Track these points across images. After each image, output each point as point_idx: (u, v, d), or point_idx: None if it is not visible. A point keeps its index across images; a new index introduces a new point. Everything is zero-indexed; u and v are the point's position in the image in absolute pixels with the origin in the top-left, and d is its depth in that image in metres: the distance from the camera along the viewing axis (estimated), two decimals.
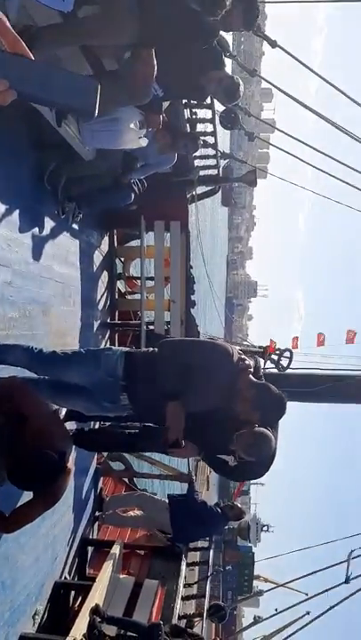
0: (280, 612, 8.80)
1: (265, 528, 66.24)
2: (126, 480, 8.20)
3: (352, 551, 6.23)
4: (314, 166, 8.58)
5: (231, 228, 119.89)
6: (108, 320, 7.67)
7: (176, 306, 7.38)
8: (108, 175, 5.84)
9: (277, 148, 8.83)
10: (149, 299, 7.74)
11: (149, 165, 6.08)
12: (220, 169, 8.26)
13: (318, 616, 5.93)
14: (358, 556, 5.93)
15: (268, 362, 12.02)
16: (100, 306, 7.31)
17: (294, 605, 7.14)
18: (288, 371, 10.69)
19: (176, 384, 3.55)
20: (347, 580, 5.71)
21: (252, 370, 3.94)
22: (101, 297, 7.35)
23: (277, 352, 12.21)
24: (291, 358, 12.10)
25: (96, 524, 7.12)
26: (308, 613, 7.80)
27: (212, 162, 8.30)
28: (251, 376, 3.85)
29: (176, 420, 3.61)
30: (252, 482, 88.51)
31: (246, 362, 3.93)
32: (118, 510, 7.19)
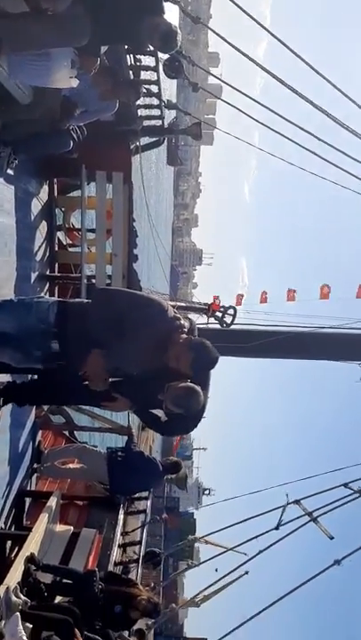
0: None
1: (207, 492, 68.33)
2: (66, 433, 8.22)
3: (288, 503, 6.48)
4: (261, 122, 8.52)
5: (177, 195, 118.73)
6: (48, 272, 7.51)
7: (118, 259, 7.29)
8: (45, 120, 5.62)
9: (224, 101, 8.71)
10: (91, 251, 7.61)
11: (89, 112, 5.89)
12: (164, 120, 8.09)
13: (248, 560, 6.19)
14: (288, 503, 6.19)
15: (212, 319, 12.20)
16: (39, 257, 7.13)
17: (235, 570, 7.40)
18: (231, 327, 10.84)
19: (104, 333, 3.54)
20: (277, 527, 5.96)
21: (185, 330, 3.97)
22: (40, 248, 7.16)
23: (221, 309, 12.37)
24: (234, 315, 12.28)
25: (34, 475, 7.12)
26: (246, 573, 8.19)
27: (156, 112, 8.10)
28: (184, 335, 3.88)
29: (95, 369, 3.61)
30: (194, 447, 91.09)
31: (181, 321, 3.96)
32: (57, 462, 7.23)
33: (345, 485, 6.07)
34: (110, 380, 3.96)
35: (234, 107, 8.37)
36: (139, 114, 7.60)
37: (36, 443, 7.19)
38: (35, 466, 7.05)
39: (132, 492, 7.87)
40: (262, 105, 8.13)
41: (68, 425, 8.02)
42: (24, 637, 4.11)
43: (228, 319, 11.76)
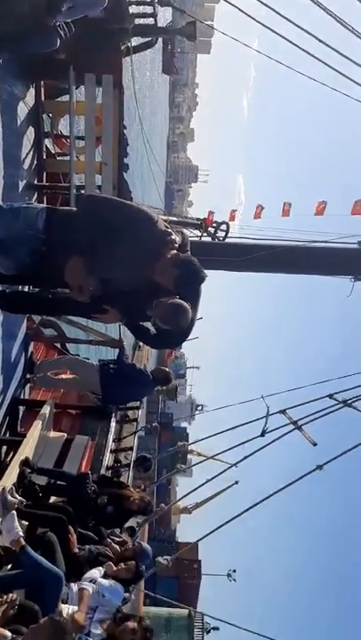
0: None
1: (199, 408, 70.34)
2: (58, 346, 8.32)
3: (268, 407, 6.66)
4: (260, 22, 8.03)
5: (172, 107, 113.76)
6: (36, 182, 7.30)
7: (108, 169, 7.07)
8: (30, 16, 5.26)
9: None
10: (80, 160, 7.37)
11: (77, 7, 5.50)
12: (157, 18, 7.61)
13: (236, 463, 6.46)
14: (275, 412, 6.38)
15: (205, 234, 12.07)
16: (26, 165, 6.91)
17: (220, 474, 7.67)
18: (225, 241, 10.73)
19: (88, 240, 3.48)
20: (262, 434, 6.18)
21: (177, 245, 3.91)
22: (27, 156, 6.92)
23: (215, 224, 12.22)
24: (227, 231, 12.16)
25: (27, 385, 7.27)
26: (236, 482, 8.59)
27: (148, 9, 7.61)
28: (174, 251, 3.82)
29: (74, 275, 3.58)
30: (188, 366, 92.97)
31: (172, 236, 3.89)
32: (50, 373, 7.36)
33: (330, 396, 6.25)
34: (101, 292, 3.95)
35: (233, 5, 7.86)
36: (130, 11, 7.14)
37: (29, 354, 7.28)
38: (27, 376, 7.18)
39: (123, 402, 8.08)
40: (263, 3, 7.64)
41: (60, 337, 8.09)
42: (20, 533, 4.33)
43: (220, 235, 11.67)
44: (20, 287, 4.74)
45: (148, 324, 4.30)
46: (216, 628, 33.42)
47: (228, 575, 41.51)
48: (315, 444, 5.95)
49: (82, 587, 4.45)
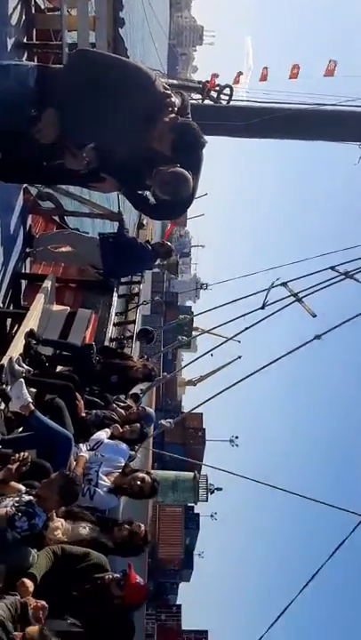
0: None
1: (204, 286, 70.57)
2: (57, 219, 8.18)
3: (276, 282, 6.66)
4: None
5: None
6: (25, 40, 6.77)
7: (102, 23, 6.52)
8: None
9: None
10: (71, 15, 6.78)
11: None
12: None
13: (236, 334, 6.58)
14: (277, 285, 6.39)
15: (208, 98, 11.40)
16: (14, 21, 6.36)
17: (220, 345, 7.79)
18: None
19: (76, 95, 3.27)
20: (263, 306, 6.24)
21: (176, 108, 3.67)
22: (15, 11, 6.35)
23: (217, 88, 11.49)
24: (231, 94, 11.46)
25: (28, 260, 7.24)
26: (239, 357, 8.78)
27: None
28: (173, 115, 3.60)
29: (46, 125, 3.39)
30: (192, 244, 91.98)
31: (172, 98, 3.64)
32: (49, 247, 7.29)
33: (332, 268, 6.23)
34: (97, 163, 3.79)
35: None
36: None
37: (27, 228, 7.18)
38: (27, 250, 7.13)
39: (124, 275, 8.10)
40: None
41: (58, 210, 7.93)
42: (29, 399, 4.51)
43: (224, 99, 11.01)
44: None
45: (149, 194, 4.18)
46: (219, 489, 36.25)
47: (231, 441, 44.34)
48: (314, 316, 6.03)
49: (80, 455, 4.70)
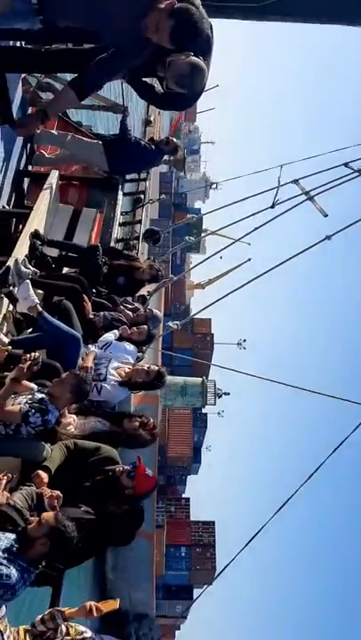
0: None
1: (213, 186, 68.20)
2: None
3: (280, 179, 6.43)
4: None
5: None
6: None
7: None
8: None
9: None
10: None
11: None
12: None
13: (242, 237, 6.47)
14: (286, 183, 6.18)
15: None
16: None
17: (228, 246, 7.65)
18: None
19: None
20: (272, 205, 6.07)
21: None
22: None
23: None
24: None
25: (31, 159, 6.98)
26: (249, 260, 8.64)
27: None
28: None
29: None
30: (202, 141, 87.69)
31: None
32: (47, 154, 7.00)
33: (345, 165, 5.97)
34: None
35: None
36: None
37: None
38: (28, 146, 6.86)
39: (130, 172, 7.82)
40: None
41: None
42: (36, 300, 4.51)
43: None
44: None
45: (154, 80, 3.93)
46: (227, 393, 37.30)
47: (239, 344, 44.95)
48: (326, 215, 5.87)
49: (89, 350, 4.78)
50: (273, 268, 5.92)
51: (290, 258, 5.93)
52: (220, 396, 36.17)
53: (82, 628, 3.21)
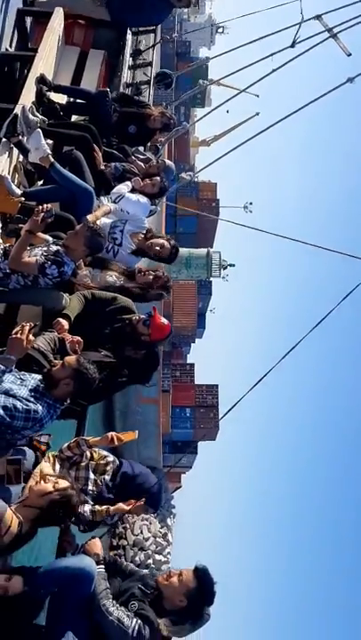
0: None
1: (220, 29, 61.22)
2: None
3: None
4: None
5: None
6: None
7: None
8: None
9: None
10: None
11: None
12: None
13: (254, 83, 6.05)
14: (310, 18, 5.68)
15: None
16: None
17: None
18: None
19: None
20: (293, 44, 5.63)
21: None
22: None
23: None
24: None
25: None
26: (257, 114, 8.02)
27: None
28: None
29: None
30: None
31: None
32: None
33: None
34: None
35: None
36: None
37: None
38: None
39: (135, 23, 7.13)
40: None
41: None
42: (48, 150, 4.42)
43: None
44: None
45: None
46: (232, 265, 36.86)
47: (245, 207, 43.42)
48: (349, 55, 5.47)
49: (102, 204, 4.72)
50: (283, 119, 5.61)
51: (307, 104, 5.61)
52: (225, 268, 35.87)
53: (104, 453, 3.56)
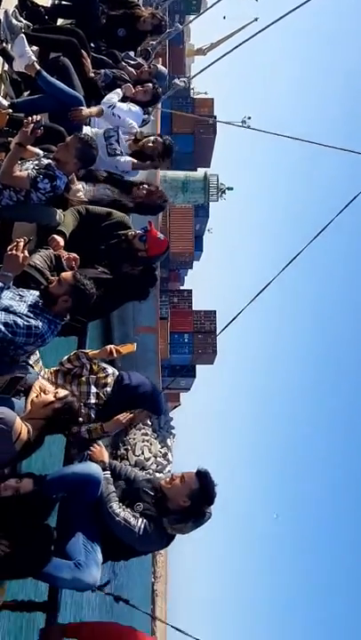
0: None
1: None
2: None
3: None
4: None
5: None
6: None
7: None
8: None
9: None
10: None
11: None
12: None
13: (267, 27, 5.61)
14: None
15: None
16: None
17: None
18: None
19: None
20: None
21: None
22: None
23: None
24: None
25: None
26: (256, 20, 7.49)
27: None
28: None
29: None
30: None
31: None
32: None
33: None
34: None
35: None
36: None
37: None
38: None
39: None
40: None
41: None
42: (33, 57, 4.20)
43: None
44: None
45: None
46: (230, 189, 35.56)
47: (243, 122, 41.46)
48: None
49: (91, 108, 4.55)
50: (287, 14, 5.25)
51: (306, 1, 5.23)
52: (223, 192, 34.75)
53: (104, 365, 3.62)
